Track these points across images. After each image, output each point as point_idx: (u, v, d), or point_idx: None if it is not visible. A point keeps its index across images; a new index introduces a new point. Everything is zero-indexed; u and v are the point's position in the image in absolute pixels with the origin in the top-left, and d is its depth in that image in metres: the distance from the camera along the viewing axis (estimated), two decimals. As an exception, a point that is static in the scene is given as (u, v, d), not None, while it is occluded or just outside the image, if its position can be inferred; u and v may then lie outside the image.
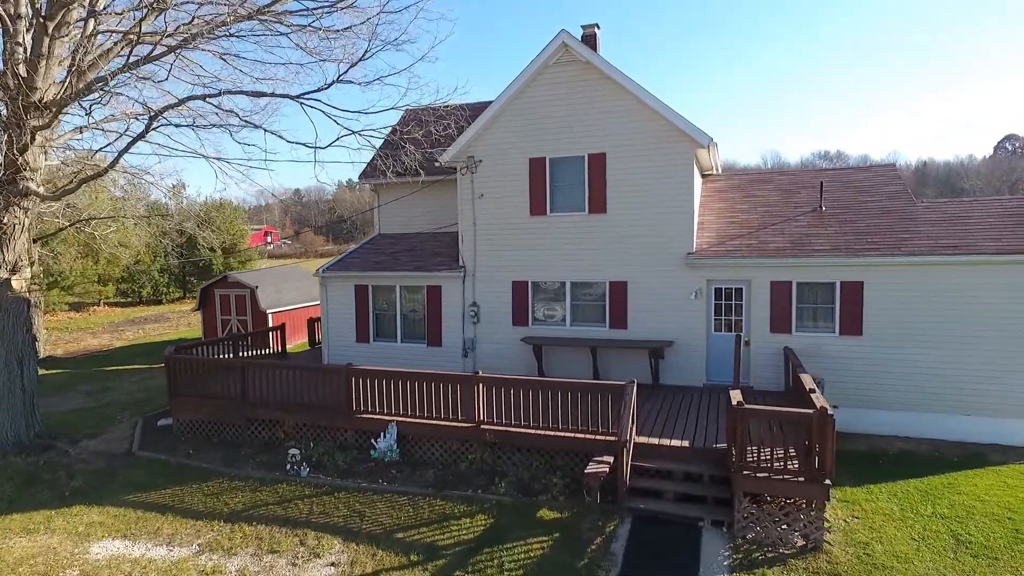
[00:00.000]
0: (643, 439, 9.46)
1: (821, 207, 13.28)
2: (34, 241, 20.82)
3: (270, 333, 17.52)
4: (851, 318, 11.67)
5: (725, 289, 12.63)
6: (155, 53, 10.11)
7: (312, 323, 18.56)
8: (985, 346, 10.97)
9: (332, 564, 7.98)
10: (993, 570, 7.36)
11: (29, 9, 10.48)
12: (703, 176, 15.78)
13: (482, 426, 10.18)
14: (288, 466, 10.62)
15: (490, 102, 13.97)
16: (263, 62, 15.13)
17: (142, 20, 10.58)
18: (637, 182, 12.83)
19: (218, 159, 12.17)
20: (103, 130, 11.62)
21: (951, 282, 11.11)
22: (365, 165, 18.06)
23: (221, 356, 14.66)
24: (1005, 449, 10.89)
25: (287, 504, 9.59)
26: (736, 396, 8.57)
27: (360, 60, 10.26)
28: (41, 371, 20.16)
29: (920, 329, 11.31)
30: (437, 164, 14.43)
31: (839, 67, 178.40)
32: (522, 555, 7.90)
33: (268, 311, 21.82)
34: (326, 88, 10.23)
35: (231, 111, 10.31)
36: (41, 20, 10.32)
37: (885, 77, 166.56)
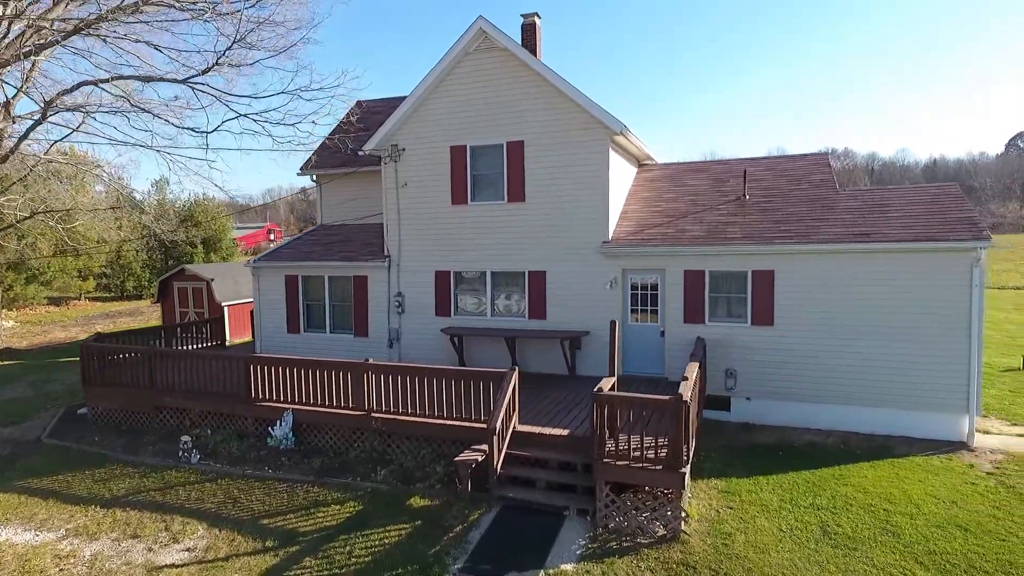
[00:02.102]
0: (525, 428, 9.31)
1: (745, 196, 13.05)
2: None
3: (208, 324, 17.50)
4: (763, 308, 11.44)
5: (640, 279, 12.44)
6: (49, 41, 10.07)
7: (253, 315, 18.53)
8: (895, 337, 10.70)
9: (188, 549, 7.91)
10: (847, 560, 7.16)
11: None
12: (640, 165, 15.61)
13: (372, 414, 10.08)
14: (180, 453, 10.57)
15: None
16: (179, 49, 15.03)
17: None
18: (554, 170, 12.66)
19: (158, 149, 12.24)
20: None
21: (862, 271, 10.85)
22: (308, 156, 18.02)
23: (151, 346, 14.65)
24: (913, 441, 10.62)
25: (168, 490, 9.54)
26: (607, 383, 8.41)
27: (235, 43, 10.16)
28: (-5, 362, 20.29)
29: (831, 319, 11.06)
30: (360, 153, 14.34)
31: (849, 65, 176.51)
32: (376, 543, 7.79)
33: (224, 304, 21.80)
34: (208, 71, 10.16)
35: (122, 96, 10.23)
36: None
37: (900, 73, 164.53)
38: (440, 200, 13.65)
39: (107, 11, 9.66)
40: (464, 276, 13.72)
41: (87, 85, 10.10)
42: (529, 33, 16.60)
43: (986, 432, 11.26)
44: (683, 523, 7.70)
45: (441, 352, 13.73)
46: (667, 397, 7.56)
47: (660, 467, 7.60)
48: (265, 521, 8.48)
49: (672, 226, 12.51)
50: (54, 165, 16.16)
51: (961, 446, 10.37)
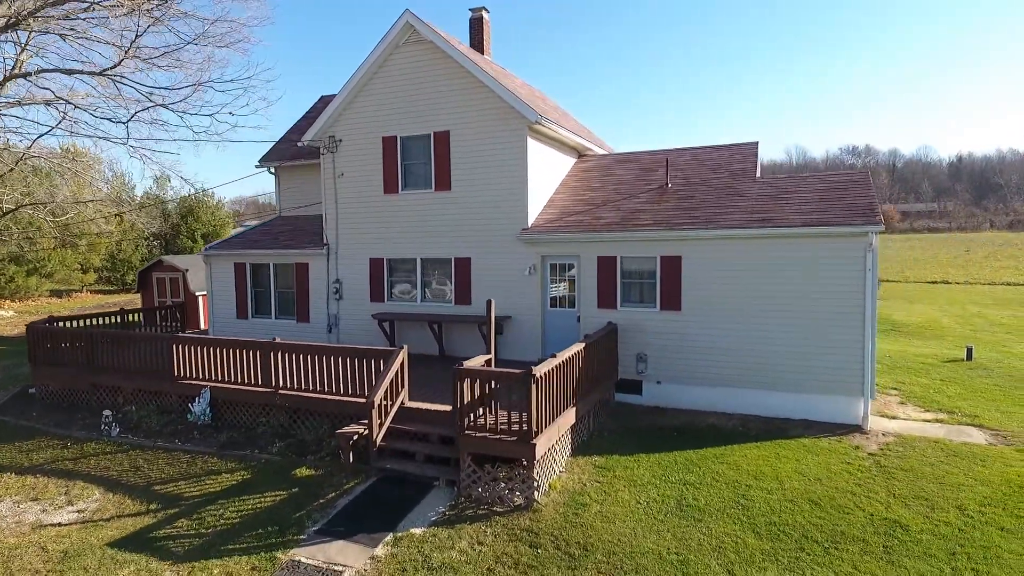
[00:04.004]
0: (414, 404, 9.68)
1: (667, 184, 13.24)
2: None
3: (168, 310, 18.18)
4: (670, 293, 11.65)
5: (559, 265, 12.72)
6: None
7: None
8: (794, 322, 10.84)
9: (79, 511, 8.44)
10: (687, 529, 7.41)
11: None
12: (580, 156, 15.86)
13: (279, 391, 10.53)
14: (102, 427, 11.15)
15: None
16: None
17: None
18: (477, 159, 13.00)
19: (132, 146, 12.90)
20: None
21: (762, 256, 11.00)
22: (268, 149, 18.57)
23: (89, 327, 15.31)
24: (810, 424, 10.76)
25: (81, 460, 10.10)
26: (480, 360, 8.74)
27: (140, 35, 10.68)
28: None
29: (734, 304, 11.23)
30: (300, 145, 14.82)
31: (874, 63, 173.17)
32: (249, 507, 8.23)
33: (197, 293, 22.52)
34: (119, 64, 10.70)
35: (46, 89, 10.82)
36: None
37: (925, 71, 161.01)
38: (373, 189, 14.07)
39: (36, 6, 10.24)
40: (396, 263, 14.13)
41: (14, 79, 10.72)
42: (477, 27, 17.00)
43: (893, 417, 11.36)
44: (538, 493, 8.01)
45: (377, 337, 14.15)
46: (518, 371, 7.87)
47: (515, 439, 7.91)
48: (157, 487, 8.99)
49: (590, 214, 12.76)
50: (47, 162, 16.82)
51: (856, 429, 10.48)
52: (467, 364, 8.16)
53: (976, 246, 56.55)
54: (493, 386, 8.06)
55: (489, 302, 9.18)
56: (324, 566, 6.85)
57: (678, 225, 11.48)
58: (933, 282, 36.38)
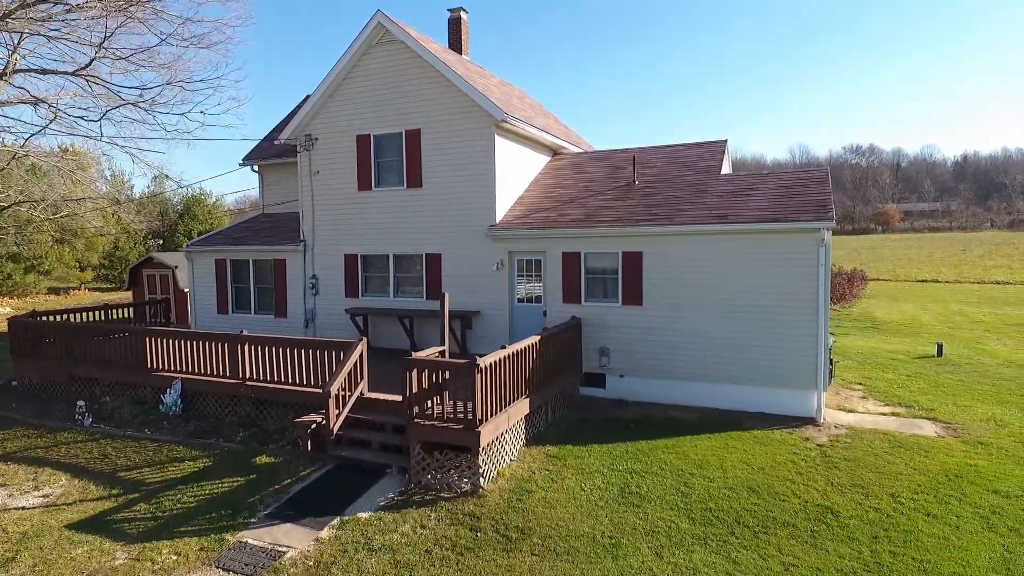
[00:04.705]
0: (373, 395, 9.94)
1: (635, 181, 13.47)
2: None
3: (151, 307, 18.53)
4: (632, 288, 11.88)
5: (526, 261, 12.96)
6: None
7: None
8: (750, 316, 11.04)
9: (44, 496, 8.73)
10: (624, 514, 7.64)
11: None
12: (555, 154, 16.10)
13: (246, 382, 10.82)
14: (76, 417, 11.46)
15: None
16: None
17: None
18: (447, 157, 13.26)
19: (122, 147, 13.27)
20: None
21: (719, 252, 11.21)
22: (251, 148, 18.86)
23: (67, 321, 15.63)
24: (766, 417, 10.97)
25: (53, 448, 10.41)
26: (433, 352, 8.99)
27: (109, 36, 11.00)
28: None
29: (693, 299, 11.44)
30: (276, 143, 15.11)
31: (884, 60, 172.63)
32: (206, 492, 8.52)
33: (185, 289, 22.85)
34: (88, 65, 11.01)
35: (22, 88, 11.15)
36: None
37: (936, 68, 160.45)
38: (348, 187, 14.35)
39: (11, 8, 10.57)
40: (370, 259, 14.41)
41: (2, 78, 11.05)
42: (455, 27, 17.28)
43: (851, 411, 11.56)
44: (485, 480, 8.26)
45: (353, 332, 14.41)
46: (463, 361, 8.12)
47: (461, 427, 8.16)
48: (122, 474, 9.28)
49: (557, 211, 13.00)
50: (43, 160, 17.21)
51: (810, 422, 10.69)
52: (415, 355, 8.42)
53: (974, 245, 56.49)
54: (441, 376, 8.32)
55: (443, 295, 9.44)
56: (269, 547, 7.12)
57: (638, 221, 11.71)
58: (923, 281, 36.45)
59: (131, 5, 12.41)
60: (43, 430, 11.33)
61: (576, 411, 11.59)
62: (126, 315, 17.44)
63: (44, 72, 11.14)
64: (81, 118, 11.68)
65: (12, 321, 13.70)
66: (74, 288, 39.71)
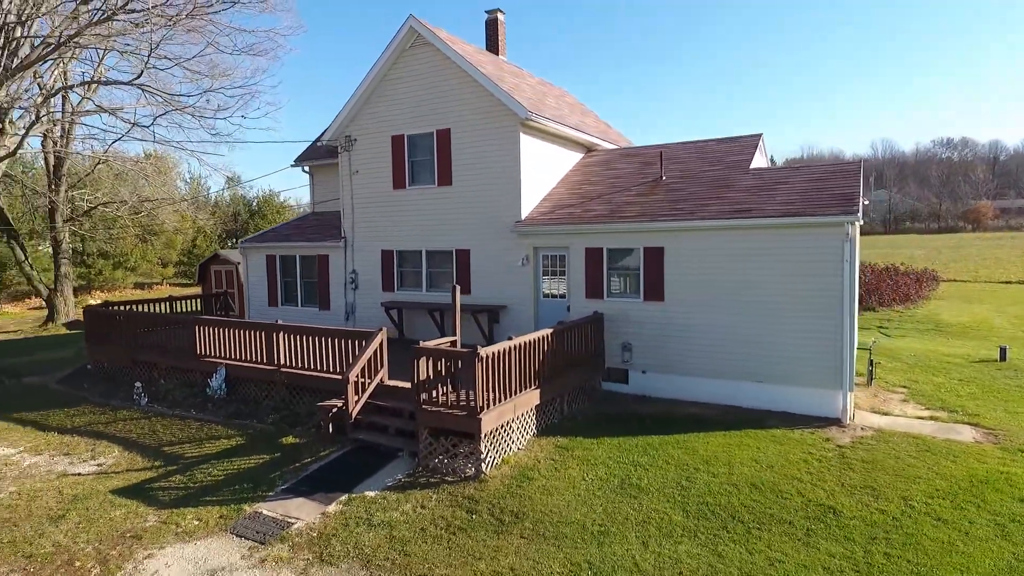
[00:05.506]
0: (392, 382, 10.41)
1: (662, 177, 13.37)
2: (64, 221, 24.61)
3: (217, 299, 19.87)
4: (654, 284, 11.83)
5: (551, 256, 13.14)
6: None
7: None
8: (774, 313, 10.79)
9: (98, 464, 9.71)
10: (619, 505, 7.73)
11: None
12: (588, 151, 16.18)
13: (281, 369, 11.56)
14: (134, 396, 12.57)
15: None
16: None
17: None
18: (475, 155, 13.62)
19: (191, 151, 14.57)
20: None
21: (742, 248, 11.00)
22: (304, 149, 19.91)
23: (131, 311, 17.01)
24: (789, 417, 10.69)
25: (112, 424, 11.50)
26: (445, 341, 9.35)
27: (155, 47, 11.97)
28: (64, 331, 23.99)
29: (715, 295, 11.29)
30: (319, 144, 15.92)
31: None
32: (234, 467, 9.22)
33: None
34: (139, 76, 12.04)
35: (88, 98, 12.33)
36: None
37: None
38: (384, 185, 14.97)
39: (83, 26, 11.77)
40: (405, 255, 14.97)
41: (64, 90, 12.29)
42: (492, 28, 17.67)
43: (885, 413, 11.07)
44: (488, 466, 8.54)
45: (388, 325, 15.02)
46: (465, 350, 8.42)
47: (464, 413, 8.47)
48: (165, 448, 10.17)
49: (582, 207, 13.10)
50: (125, 165, 18.94)
51: (835, 422, 10.34)
52: (423, 344, 8.80)
53: (1076, 245, 51.69)
54: (445, 365, 8.66)
55: (454, 288, 9.78)
56: (280, 518, 7.68)
57: (660, 217, 11.66)
58: (1007, 282, 33.75)
59: (193, 18, 13.52)
60: (106, 408, 12.50)
61: (596, 405, 11.67)
62: (192, 308, 18.83)
63: (106, 83, 12.34)
64: (136, 124, 12.81)
65: (87, 311, 15.13)
66: (156, 283, 42.89)
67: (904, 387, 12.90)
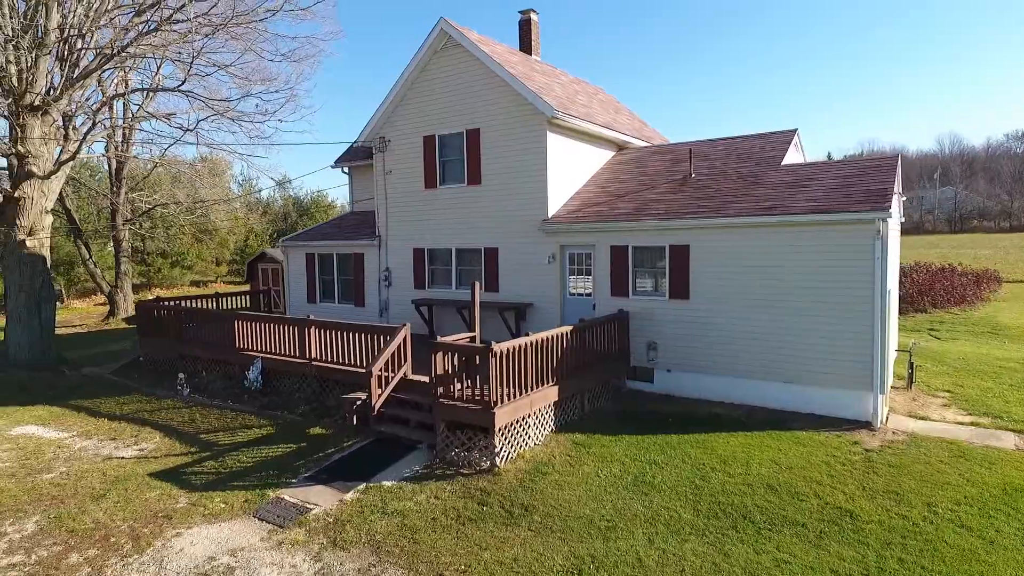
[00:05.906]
0: (416, 376, 10.65)
1: (691, 174, 13.20)
2: (124, 222, 26.08)
3: (264, 296, 20.71)
4: (679, 282, 11.70)
5: (578, 254, 13.16)
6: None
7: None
8: (801, 312, 10.51)
9: (140, 449, 10.33)
10: (629, 501, 7.74)
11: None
12: (620, 149, 16.11)
13: (312, 362, 11.99)
14: (177, 387, 13.27)
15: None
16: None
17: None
18: (503, 153, 13.76)
19: (240, 155, 15.29)
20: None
21: (768, 245, 10.76)
22: (344, 151, 20.50)
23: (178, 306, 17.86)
24: (815, 418, 10.40)
25: (156, 412, 12.18)
26: (465, 337, 9.53)
27: (195, 58, 12.55)
28: (124, 325, 25.38)
29: (742, 294, 11.08)
30: (354, 145, 16.38)
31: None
32: (262, 455, 9.65)
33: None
34: (183, 83, 12.70)
35: (137, 104, 13.09)
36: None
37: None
38: (416, 185, 15.30)
39: (132, 37, 12.52)
40: (435, 253, 15.26)
41: (119, 97, 13.10)
42: (525, 28, 17.81)
43: (922, 418, 10.65)
44: (502, 459, 8.66)
45: (419, 321, 15.36)
46: (480, 346, 8.57)
47: (479, 408, 8.62)
48: (202, 436, 10.71)
49: (609, 205, 13.06)
50: (181, 168, 20.05)
51: (864, 425, 10.01)
52: (440, 339, 9.00)
53: None
54: (466, 360, 8.83)
55: (473, 284, 9.94)
56: (300, 503, 8.01)
57: (685, 214, 11.53)
58: (1082, 284, 31.61)
59: (239, 24, 14.16)
60: (152, 397, 13.25)
61: (618, 403, 11.64)
62: (239, 304, 19.68)
63: (152, 90, 13.08)
64: (182, 128, 13.55)
65: (139, 305, 16.04)
66: (211, 281, 44.84)
67: (947, 391, 12.33)
